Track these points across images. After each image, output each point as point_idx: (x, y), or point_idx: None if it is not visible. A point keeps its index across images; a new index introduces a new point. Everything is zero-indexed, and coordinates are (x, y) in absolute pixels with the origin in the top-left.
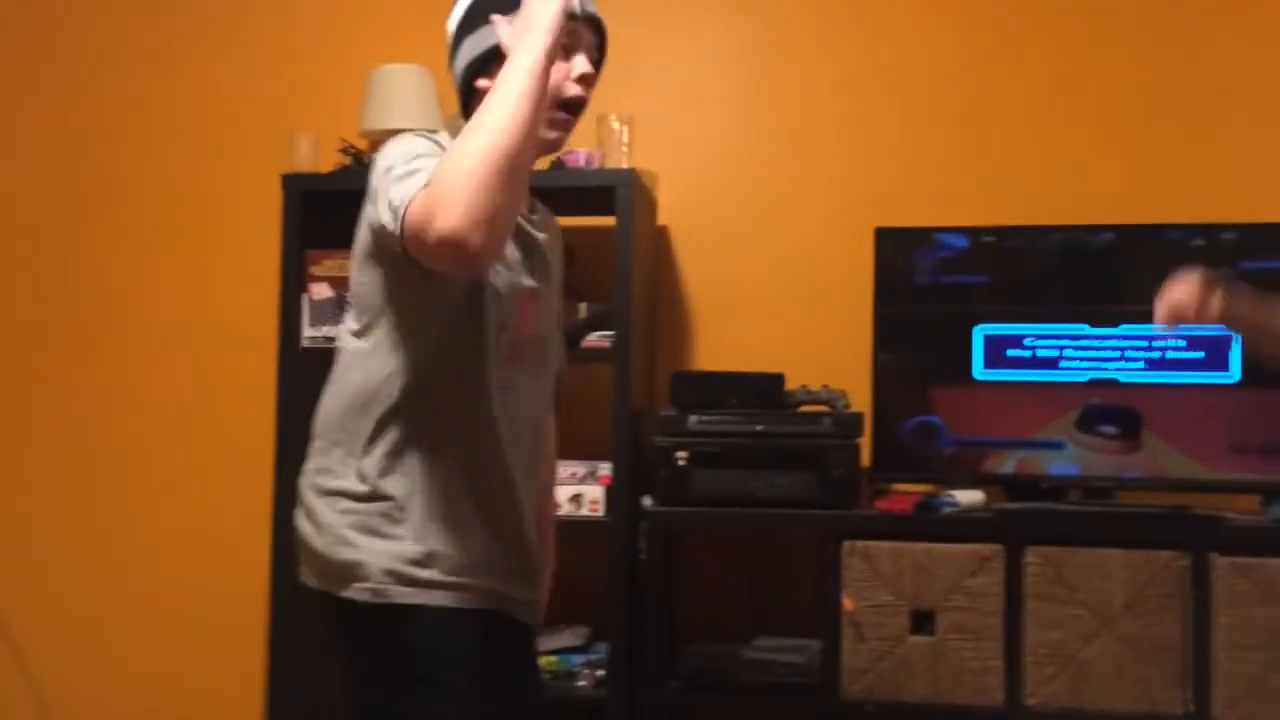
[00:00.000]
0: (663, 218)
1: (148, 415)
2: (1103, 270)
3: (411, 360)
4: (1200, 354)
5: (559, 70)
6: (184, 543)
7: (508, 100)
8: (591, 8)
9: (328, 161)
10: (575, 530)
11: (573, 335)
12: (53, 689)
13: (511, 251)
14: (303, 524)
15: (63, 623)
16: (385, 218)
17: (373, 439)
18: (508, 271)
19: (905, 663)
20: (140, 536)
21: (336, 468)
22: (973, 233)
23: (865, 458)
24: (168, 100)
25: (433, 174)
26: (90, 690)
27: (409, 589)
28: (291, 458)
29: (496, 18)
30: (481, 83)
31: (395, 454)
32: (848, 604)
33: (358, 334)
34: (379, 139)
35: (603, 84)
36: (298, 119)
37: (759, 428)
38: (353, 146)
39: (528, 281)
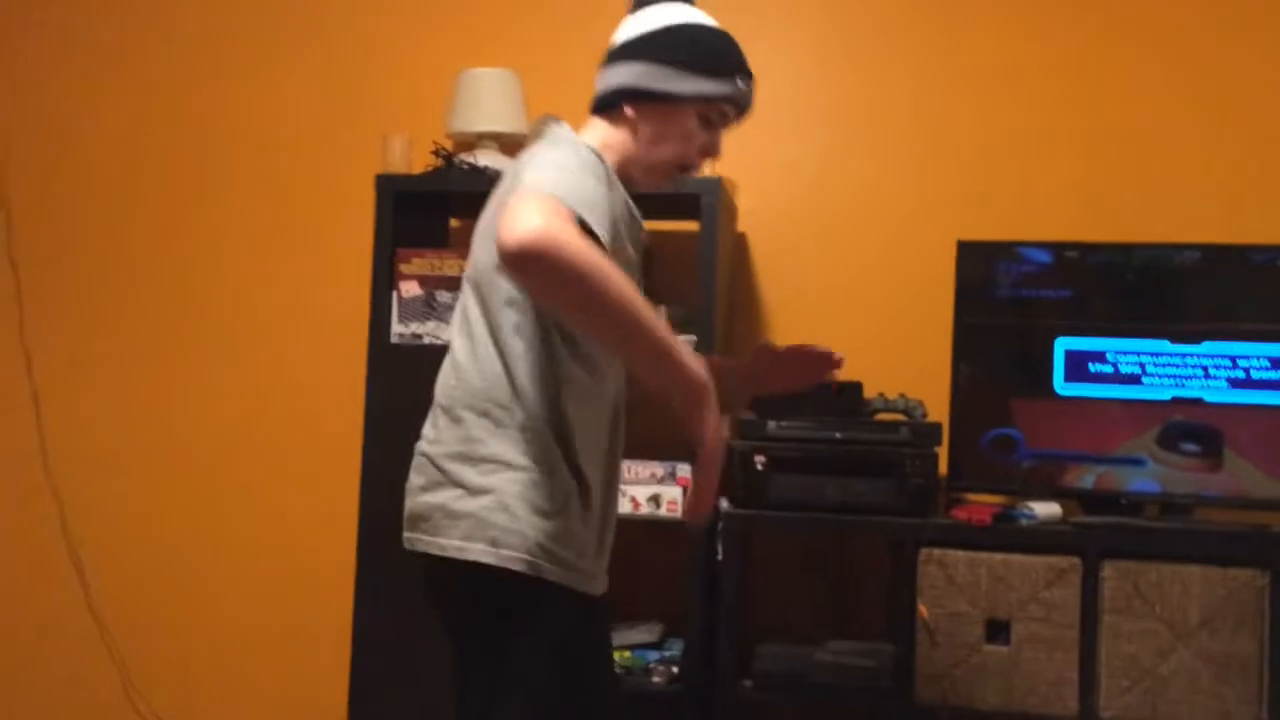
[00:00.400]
0: (741, 224)
1: (240, 406)
2: (1186, 288)
3: (554, 344)
4: None
5: (697, 136)
6: (272, 531)
7: (642, 338)
8: (751, 100)
9: (419, 162)
10: (653, 529)
11: None
12: (139, 675)
13: (633, 253)
14: (439, 491)
15: (152, 606)
16: (522, 183)
17: (525, 415)
18: (630, 271)
19: (979, 671)
20: (229, 525)
21: (486, 438)
22: (1056, 247)
23: (942, 467)
24: (266, 101)
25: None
26: (174, 674)
27: (557, 568)
28: (378, 448)
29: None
30: (628, 111)
31: (547, 432)
32: (923, 611)
33: (495, 313)
34: (465, 140)
35: None
36: (391, 121)
37: (837, 434)
38: (444, 148)
39: (640, 280)
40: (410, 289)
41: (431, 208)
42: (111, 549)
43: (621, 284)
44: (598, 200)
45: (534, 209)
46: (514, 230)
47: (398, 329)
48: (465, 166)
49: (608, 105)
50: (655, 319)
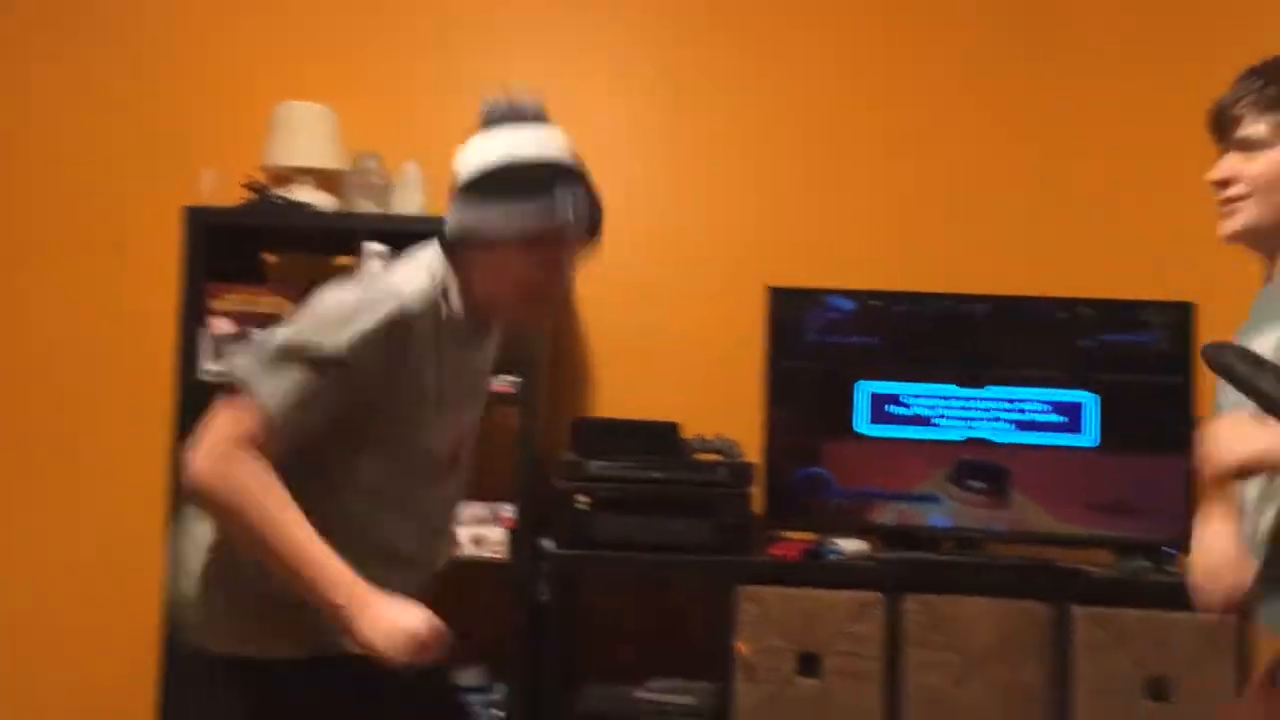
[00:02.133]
0: None
1: (40, 436)
2: (977, 337)
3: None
4: (1063, 418)
5: (532, 271)
6: (74, 570)
7: (292, 559)
8: (582, 226)
9: (232, 196)
10: (477, 571)
11: None
12: None
13: (442, 386)
14: None
15: None
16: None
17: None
18: (436, 404)
19: (794, 704)
20: (28, 563)
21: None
22: (860, 296)
23: (758, 506)
24: (78, 128)
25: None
26: None
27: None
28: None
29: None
30: (477, 254)
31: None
32: (742, 648)
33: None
34: (281, 174)
35: None
36: (208, 152)
37: (657, 474)
38: (257, 182)
39: (455, 410)
40: (221, 326)
41: (246, 242)
42: None
43: (265, 522)
44: (346, 344)
45: (209, 441)
46: (189, 462)
47: (210, 366)
48: (280, 201)
49: (455, 248)
50: (301, 544)
